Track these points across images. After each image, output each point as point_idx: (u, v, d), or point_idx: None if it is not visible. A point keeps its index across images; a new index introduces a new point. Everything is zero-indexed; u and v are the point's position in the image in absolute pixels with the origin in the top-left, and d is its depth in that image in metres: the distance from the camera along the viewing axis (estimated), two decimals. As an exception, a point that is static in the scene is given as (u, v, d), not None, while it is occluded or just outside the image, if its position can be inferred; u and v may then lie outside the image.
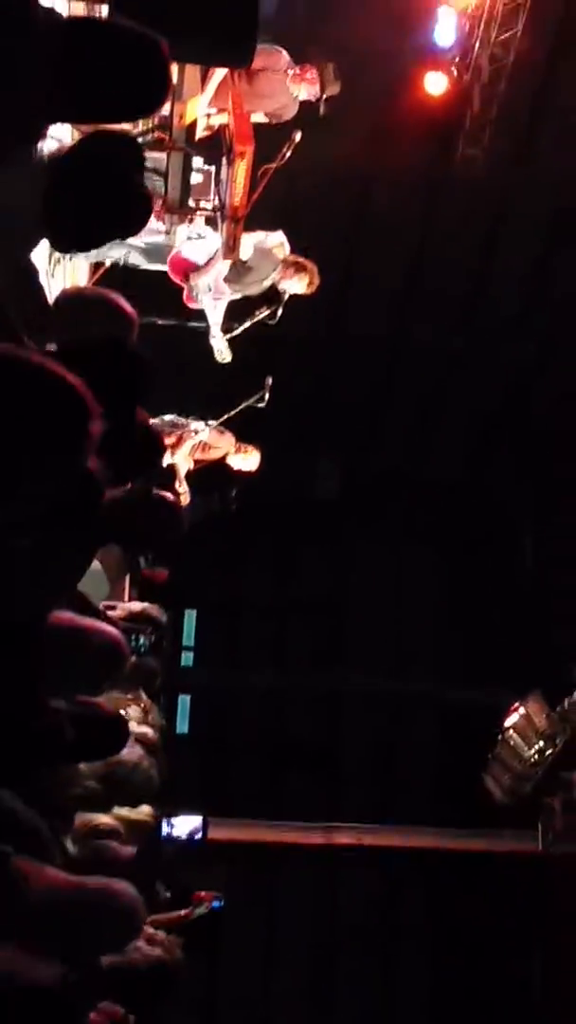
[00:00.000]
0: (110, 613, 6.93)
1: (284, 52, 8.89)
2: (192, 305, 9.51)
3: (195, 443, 10.46)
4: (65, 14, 7.37)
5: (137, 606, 7.20)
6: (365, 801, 20.17)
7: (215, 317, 9.59)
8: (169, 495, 4.85)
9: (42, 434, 2.43)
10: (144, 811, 6.27)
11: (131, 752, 6.09)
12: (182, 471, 10.45)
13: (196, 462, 10.67)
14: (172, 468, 10.25)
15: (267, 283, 9.36)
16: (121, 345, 3.80)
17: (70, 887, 3.41)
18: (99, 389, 2.55)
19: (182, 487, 10.43)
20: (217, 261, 8.84)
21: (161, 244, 9.29)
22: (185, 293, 9.42)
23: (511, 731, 17.66)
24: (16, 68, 2.95)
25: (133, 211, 3.57)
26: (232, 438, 10.81)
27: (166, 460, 10.13)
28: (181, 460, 10.36)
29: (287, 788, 20.52)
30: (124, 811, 6.20)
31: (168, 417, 10.29)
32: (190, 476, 10.62)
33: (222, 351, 9.78)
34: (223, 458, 10.90)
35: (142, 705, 7.41)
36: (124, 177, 3.44)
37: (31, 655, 3.51)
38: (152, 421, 9.86)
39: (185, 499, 10.47)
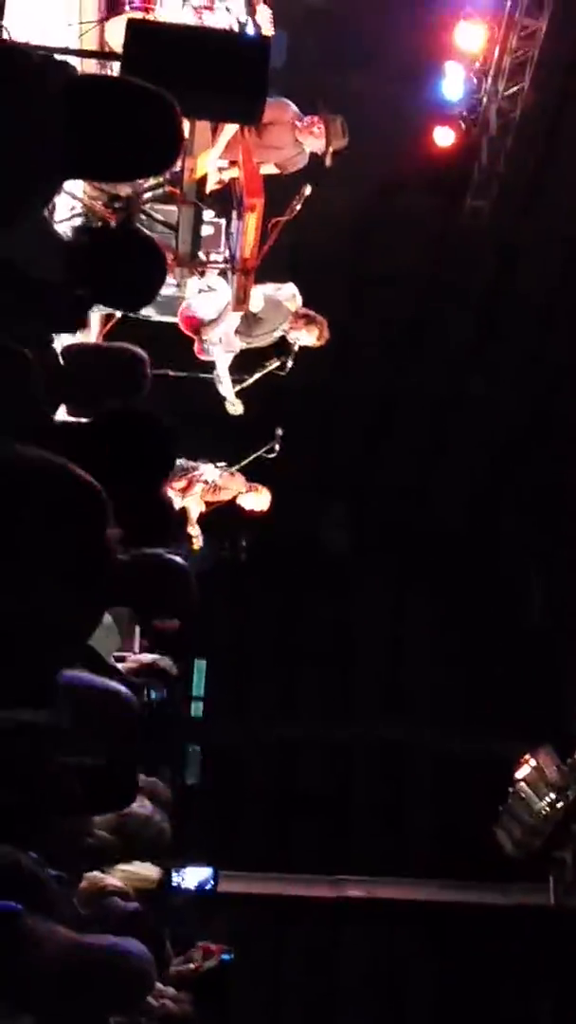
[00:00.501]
0: (121, 666, 6.92)
1: (292, 105, 8.97)
2: (203, 357, 9.55)
3: (205, 486, 10.45)
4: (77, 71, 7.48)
5: (148, 658, 7.17)
6: (375, 853, 20.01)
7: (225, 369, 9.62)
8: (180, 560, 4.81)
9: (61, 540, 2.51)
10: (153, 869, 6.25)
11: (142, 806, 6.06)
12: (194, 514, 10.43)
13: (207, 504, 10.65)
14: (183, 512, 10.24)
15: (277, 334, 9.41)
16: (149, 421, 3.81)
17: (80, 948, 3.37)
18: (122, 462, 2.62)
19: (194, 530, 10.42)
20: (228, 314, 8.88)
21: (172, 296, 9.34)
22: (196, 345, 9.46)
23: (522, 783, 17.52)
24: (30, 127, 2.97)
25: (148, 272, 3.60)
26: (242, 479, 10.79)
27: (177, 504, 10.14)
28: (192, 503, 10.35)
29: (296, 839, 20.38)
30: (133, 867, 6.17)
31: (178, 461, 10.29)
32: (202, 518, 10.60)
33: (233, 403, 9.80)
34: (234, 499, 10.88)
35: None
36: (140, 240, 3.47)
37: (42, 714, 3.50)
38: None
39: (197, 542, 10.46)
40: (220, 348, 9.38)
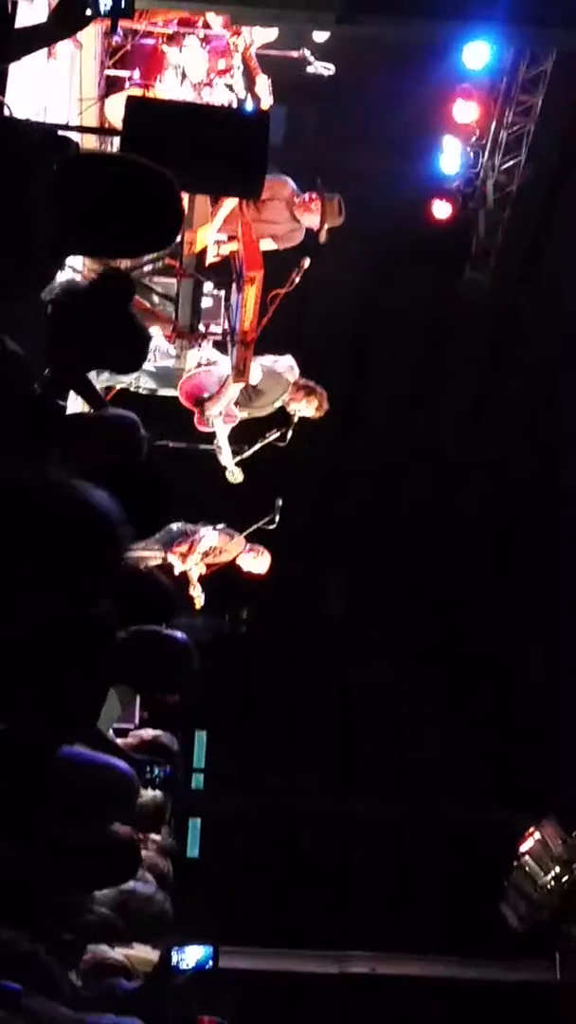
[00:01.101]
0: (122, 741, 6.86)
1: (291, 181, 9.08)
2: (203, 428, 9.57)
3: (206, 548, 10.39)
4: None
5: (149, 733, 7.10)
6: (378, 926, 19.73)
7: (225, 439, 9.64)
8: (180, 635, 4.78)
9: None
10: (153, 952, 6.17)
11: (145, 885, 5.99)
12: (195, 576, 10.38)
13: (208, 567, 10.60)
14: (185, 575, 10.21)
15: (277, 405, 9.44)
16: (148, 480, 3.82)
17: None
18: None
19: (195, 590, 10.37)
20: (228, 386, 8.91)
21: (172, 368, 9.40)
22: (196, 416, 9.49)
23: (526, 857, 17.34)
24: (30, 204, 2.99)
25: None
26: (242, 540, 10.73)
27: (178, 567, 10.11)
28: (193, 566, 10.31)
29: (299, 913, 20.11)
30: (134, 951, 6.09)
31: (176, 525, 10.27)
32: (202, 580, 10.52)
33: (233, 472, 9.82)
34: (234, 560, 10.81)
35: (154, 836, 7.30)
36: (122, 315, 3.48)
37: (42, 791, 3.47)
38: (159, 535, 9.89)
39: (199, 602, 10.40)
40: (220, 420, 9.41)
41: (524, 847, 17.41)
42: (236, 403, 9.24)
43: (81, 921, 5.29)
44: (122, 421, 4.14)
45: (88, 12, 5.18)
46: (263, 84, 9.41)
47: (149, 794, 6.52)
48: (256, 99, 9.51)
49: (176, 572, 10.06)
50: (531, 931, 17.71)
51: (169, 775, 6.00)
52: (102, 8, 5.32)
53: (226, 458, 9.70)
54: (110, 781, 3.74)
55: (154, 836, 7.62)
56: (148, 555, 9.68)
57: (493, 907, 17.94)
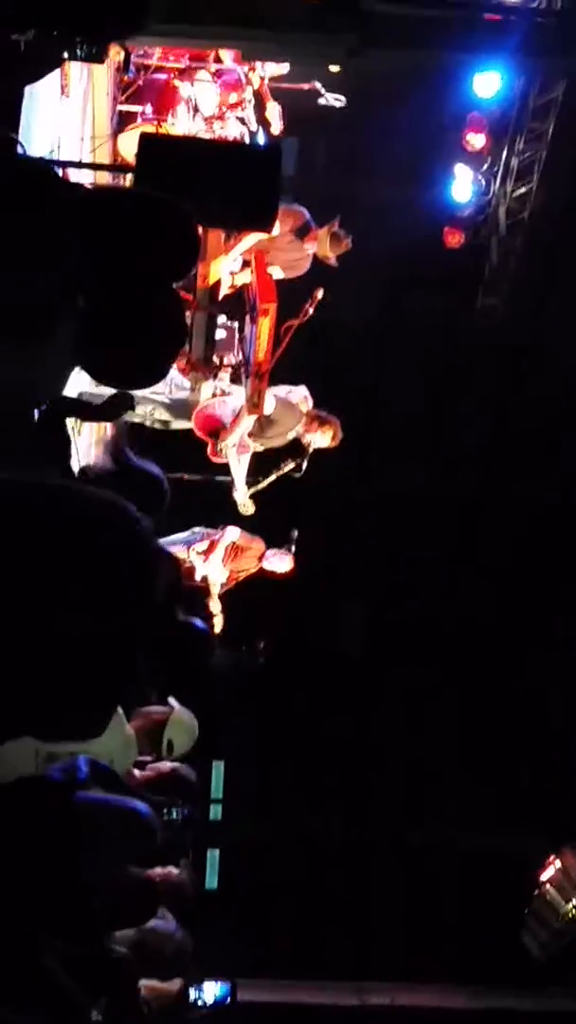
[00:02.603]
0: (139, 773, 6.80)
1: (305, 212, 9.09)
2: (216, 460, 9.54)
3: (227, 546, 10.17)
4: (90, 182, 7.61)
5: (167, 766, 7.01)
6: (397, 957, 19.62)
7: (239, 471, 9.61)
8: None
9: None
10: (173, 984, 6.09)
11: (165, 924, 5.93)
12: (216, 583, 10.13)
13: (231, 574, 10.34)
14: (204, 583, 10.00)
15: (291, 436, 9.41)
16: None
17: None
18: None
19: (216, 606, 10.15)
20: (242, 418, 8.89)
21: (186, 400, 9.39)
22: (209, 447, 9.47)
23: (547, 885, 17.22)
24: (44, 246, 2.98)
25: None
26: (262, 542, 10.50)
27: (200, 570, 9.92)
28: (215, 570, 10.09)
29: (317, 944, 20.01)
30: (152, 982, 6.02)
31: (197, 529, 10.11)
32: (224, 594, 10.30)
33: (245, 504, 9.78)
34: (259, 566, 10.52)
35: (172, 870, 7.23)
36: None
37: (58, 834, 3.44)
38: (182, 535, 9.79)
39: (219, 620, 10.14)
40: (234, 451, 9.38)
41: (545, 876, 17.29)
42: (250, 434, 9.22)
43: (100, 961, 5.23)
44: (149, 478, 4.07)
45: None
46: (274, 111, 9.46)
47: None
48: (267, 124, 9.56)
49: (198, 576, 9.93)
50: (553, 960, 17.57)
51: (188, 816, 5.94)
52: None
53: (240, 489, 9.66)
54: (129, 825, 3.70)
55: (172, 869, 7.55)
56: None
57: (514, 936, 17.82)
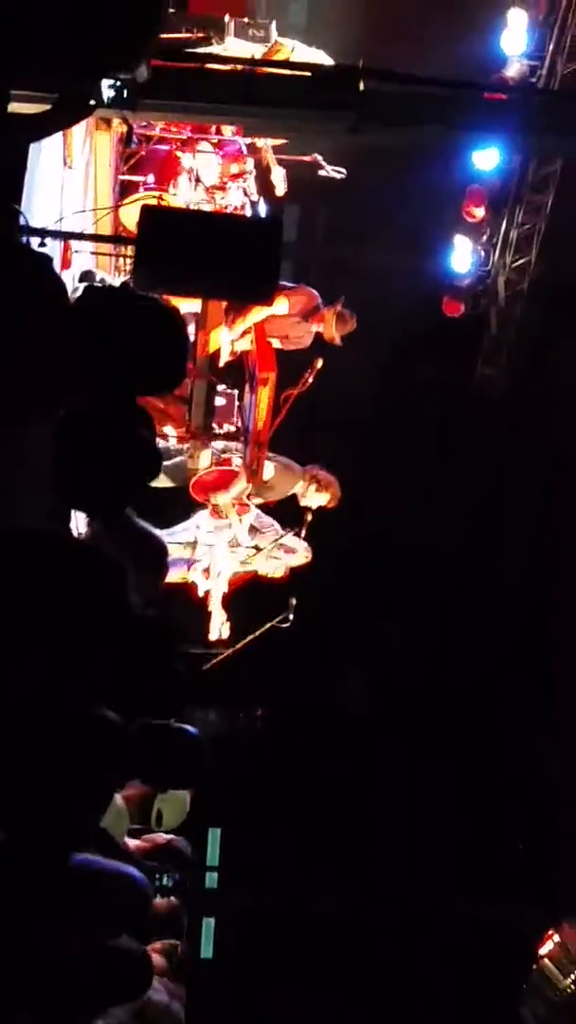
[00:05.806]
0: (134, 843, 6.75)
1: (312, 292, 9.14)
2: (217, 520, 9.50)
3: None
4: (88, 264, 7.68)
5: (163, 837, 6.97)
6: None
7: (241, 531, 9.56)
8: (191, 729, 4.72)
9: None
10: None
11: (160, 994, 5.87)
12: (218, 598, 9.80)
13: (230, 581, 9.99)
14: (206, 601, 9.76)
15: (290, 493, 9.41)
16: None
17: None
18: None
19: (219, 613, 9.95)
20: (238, 481, 8.90)
21: (181, 463, 9.33)
22: (210, 508, 9.44)
23: (545, 960, 17.02)
24: (43, 347, 3.01)
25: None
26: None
27: (202, 587, 9.62)
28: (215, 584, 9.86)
29: (313, 1014, 19.77)
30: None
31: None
32: (228, 598, 10.05)
33: (248, 564, 9.72)
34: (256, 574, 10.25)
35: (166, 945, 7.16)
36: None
37: (53, 899, 3.43)
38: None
39: (224, 622, 9.85)
40: (234, 509, 9.31)
41: (543, 950, 17.10)
42: (248, 495, 9.21)
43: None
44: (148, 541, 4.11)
45: (92, 102, 5.22)
46: (278, 175, 9.53)
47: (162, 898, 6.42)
48: (272, 189, 9.63)
49: (200, 592, 9.69)
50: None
51: (178, 883, 5.91)
52: (105, 98, 5.37)
53: (242, 546, 9.57)
54: (123, 890, 3.69)
55: (170, 941, 7.48)
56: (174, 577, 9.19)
57: (510, 1007, 17.60)
